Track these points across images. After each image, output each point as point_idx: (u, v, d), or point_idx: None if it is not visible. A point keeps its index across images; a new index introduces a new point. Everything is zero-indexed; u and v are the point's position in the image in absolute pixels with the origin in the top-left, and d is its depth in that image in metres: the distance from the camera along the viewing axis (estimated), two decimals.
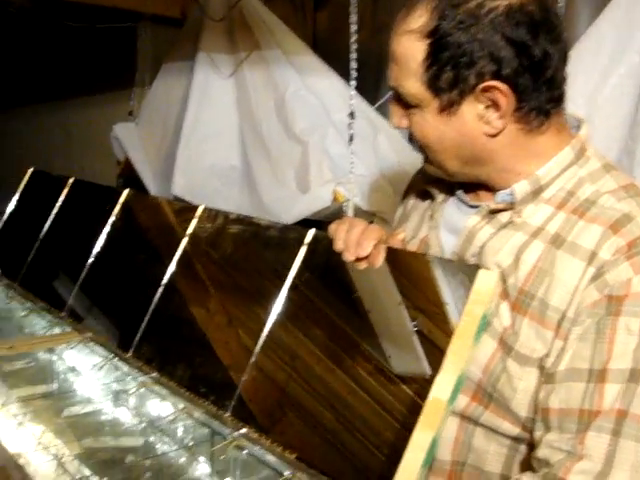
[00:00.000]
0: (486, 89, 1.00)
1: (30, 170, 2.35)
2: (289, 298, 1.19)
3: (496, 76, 0.99)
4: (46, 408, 1.41)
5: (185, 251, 1.46)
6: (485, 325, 0.95)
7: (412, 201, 1.31)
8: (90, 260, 1.73)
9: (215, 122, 2.58)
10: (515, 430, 1.04)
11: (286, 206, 2.17)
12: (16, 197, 2.28)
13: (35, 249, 2.00)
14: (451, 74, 1.00)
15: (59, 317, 1.71)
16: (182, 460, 1.30)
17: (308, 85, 2.37)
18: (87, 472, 1.19)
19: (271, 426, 1.13)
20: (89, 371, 1.52)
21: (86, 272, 1.73)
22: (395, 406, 1.01)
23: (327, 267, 1.20)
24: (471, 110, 1.02)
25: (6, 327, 1.80)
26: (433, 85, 1.02)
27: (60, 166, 4.00)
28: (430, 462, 0.91)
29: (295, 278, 1.21)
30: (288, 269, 1.21)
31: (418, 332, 1.01)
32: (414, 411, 0.94)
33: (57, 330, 1.68)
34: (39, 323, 1.75)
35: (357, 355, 1.08)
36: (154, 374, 1.37)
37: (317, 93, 2.37)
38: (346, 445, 1.03)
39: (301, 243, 1.22)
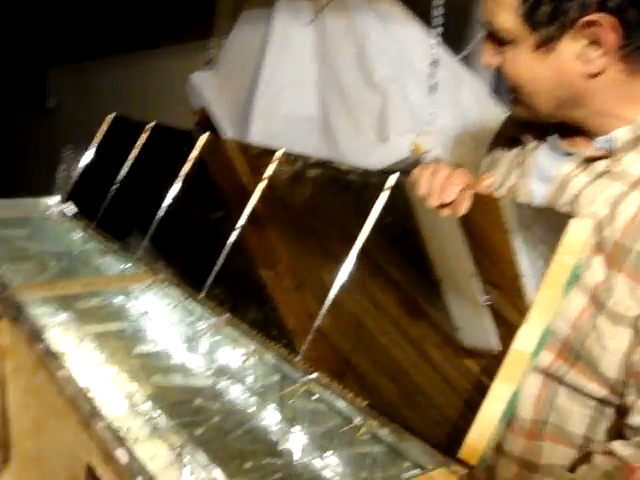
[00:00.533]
0: (588, 24, 0.92)
1: (111, 116, 2.37)
2: (364, 250, 1.15)
3: (600, 9, 0.91)
4: (118, 346, 1.42)
5: (262, 195, 1.44)
6: (576, 277, 0.89)
7: (500, 148, 1.24)
8: (166, 202, 1.73)
9: (293, 70, 2.53)
10: (602, 392, 0.98)
11: (364, 156, 2.12)
12: (96, 142, 2.30)
13: (113, 191, 2.02)
14: (550, 7, 0.93)
15: (134, 258, 1.72)
16: (251, 404, 1.29)
17: (390, 33, 2.29)
18: (157, 412, 1.19)
19: (343, 374, 1.11)
20: (161, 312, 1.52)
21: (162, 214, 1.73)
22: (462, 379, 0.96)
23: (402, 225, 1.15)
24: (570, 47, 0.95)
25: (82, 266, 1.83)
26: (530, 19, 0.95)
27: (139, 116, 4.03)
28: (508, 416, 0.87)
29: (372, 230, 1.16)
30: (367, 215, 1.17)
31: (490, 307, 0.95)
32: (481, 385, 0.90)
33: (131, 271, 1.69)
34: (114, 264, 1.77)
35: (427, 322, 1.04)
36: (226, 316, 1.36)
37: (399, 41, 2.29)
38: (424, 400, 0.99)
39: (382, 188, 1.17)
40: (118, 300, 1.58)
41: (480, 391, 0.89)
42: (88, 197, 2.17)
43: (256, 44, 2.70)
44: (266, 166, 1.46)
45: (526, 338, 0.87)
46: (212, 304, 1.41)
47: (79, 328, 1.43)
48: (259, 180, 1.45)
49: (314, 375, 1.12)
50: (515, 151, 1.18)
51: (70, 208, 2.20)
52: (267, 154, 1.48)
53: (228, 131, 2.80)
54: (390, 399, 1.02)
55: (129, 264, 1.72)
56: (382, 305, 1.11)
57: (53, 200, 2.29)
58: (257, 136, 2.53)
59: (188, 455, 1.05)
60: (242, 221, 1.43)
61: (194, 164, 1.72)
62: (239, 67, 2.81)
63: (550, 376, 1.02)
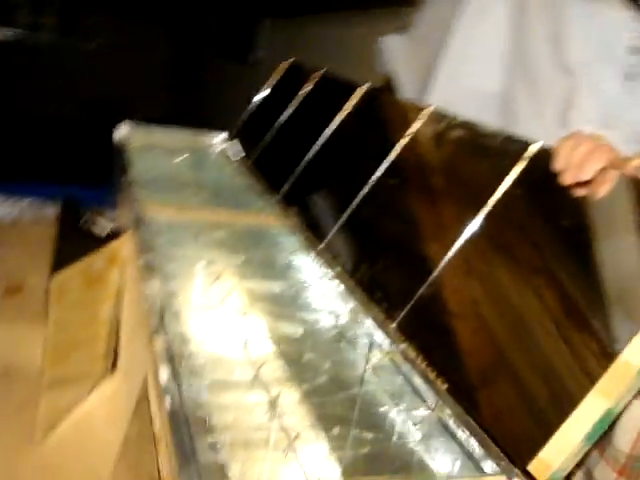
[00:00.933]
0: None
1: (287, 62, 2.37)
2: (494, 218, 1.03)
3: None
4: (229, 279, 1.40)
5: (403, 151, 1.35)
6: None
7: None
8: (314, 150, 1.68)
9: (482, 42, 2.36)
10: None
11: (544, 141, 1.94)
12: (269, 86, 2.31)
13: (272, 133, 2.01)
14: None
15: (273, 199, 1.70)
16: (355, 367, 1.21)
17: (593, 12, 2.06)
18: (265, 359, 1.16)
19: (431, 351, 1.00)
20: (281, 255, 1.49)
21: (307, 161, 1.69)
22: (559, 383, 0.81)
23: (539, 200, 1.01)
24: None
25: (223, 198, 1.83)
26: None
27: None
28: (595, 438, 0.73)
29: (506, 198, 1.03)
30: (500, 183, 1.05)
31: None
32: (576, 396, 0.75)
33: (266, 211, 1.66)
34: (254, 201, 1.75)
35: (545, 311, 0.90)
36: (338, 269, 1.29)
37: (601, 23, 2.06)
38: (508, 396, 0.86)
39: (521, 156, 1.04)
40: (242, 235, 1.56)
41: (573, 402, 0.75)
42: (251, 137, 2.18)
43: (450, 12, 2.56)
44: (413, 122, 1.37)
45: (638, 350, 0.72)
46: (328, 255, 1.35)
47: (196, 252, 1.42)
48: (402, 135, 1.36)
49: (402, 346, 1.02)
50: None
51: (233, 145, 2.23)
52: (417, 110, 1.39)
53: (410, 95, 2.70)
54: (471, 388, 0.90)
55: (267, 204, 1.69)
56: (495, 284, 0.98)
57: (220, 136, 2.32)
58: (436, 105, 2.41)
59: (281, 408, 1.01)
60: (375, 176, 1.35)
61: (348, 115, 1.65)
62: (430, 34, 2.69)
63: None
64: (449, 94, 2.42)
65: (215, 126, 2.57)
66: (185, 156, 2.16)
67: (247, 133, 2.24)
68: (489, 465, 0.77)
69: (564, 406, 0.75)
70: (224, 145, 2.28)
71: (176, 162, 2.10)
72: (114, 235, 1.48)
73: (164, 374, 0.82)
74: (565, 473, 0.72)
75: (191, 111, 6.14)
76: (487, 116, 2.31)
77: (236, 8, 5.59)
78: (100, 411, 1.45)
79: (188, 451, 0.72)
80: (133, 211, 1.47)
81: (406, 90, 2.74)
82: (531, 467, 0.74)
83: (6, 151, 4.55)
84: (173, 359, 0.85)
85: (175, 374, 0.82)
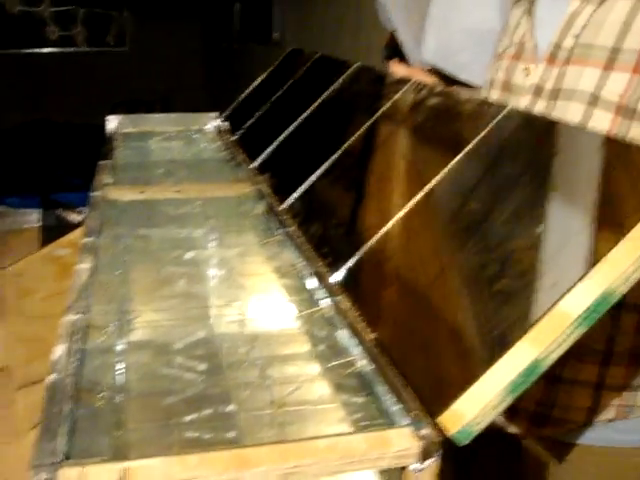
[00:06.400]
0: None
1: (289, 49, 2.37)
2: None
3: None
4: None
5: (374, 121, 1.30)
6: None
7: None
8: (294, 124, 1.63)
9: None
10: None
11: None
12: (269, 70, 2.29)
13: (259, 112, 1.96)
14: None
15: (247, 169, 1.61)
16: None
17: None
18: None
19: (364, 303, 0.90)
20: (244, 219, 1.40)
21: (288, 132, 1.62)
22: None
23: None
24: None
25: (201, 174, 1.76)
26: None
27: (348, 47, 3.95)
28: (518, 391, 0.61)
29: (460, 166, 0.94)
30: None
31: None
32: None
33: (240, 181, 1.57)
34: (230, 173, 1.67)
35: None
36: (292, 228, 1.20)
37: None
38: (435, 350, 0.77)
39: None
40: (207, 207, 1.47)
41: (499, 352, 0.64)
42: (241, 116, 2.12)
43: None
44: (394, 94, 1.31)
45: (577, 297, 0.61)
46: (287, 215, 1.26)
47: (151, 229, 1.35)
48: (378, 108, 1.31)
49: (338, 299, 0.92)
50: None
51: (224, 124, 2.16)
52: (399, 83, 1.34)
53: (410, 50, 2.55)
54: (398, 340, 0.80)
55: (242, 176, 1.61)
56: (439, 244, 0.90)
57: (213, 117, 2.25)
58: (431, 52, 2.26)
59: None
60: (345, 143, 1.28)
61: (333, 91, 1.61)
62: None
63: None
64: (446, 38, 2.26)
65: None
66: (171, 139, 2.09)
67: (238, 113, 2.18)
68: (403, 419, 0.66)
69: (489, 357, 0.64)
70: (215, 125, 2.21)
71: (159, 145, 2.04)
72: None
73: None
74: (481, 427, 0.60)
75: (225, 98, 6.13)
76: (489, 56, 2.16)
77: None
78: None
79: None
80: (92, 194, 1.41)
81: (406, 44, 2.58)
82: (442, 418, 0.63)
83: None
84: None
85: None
